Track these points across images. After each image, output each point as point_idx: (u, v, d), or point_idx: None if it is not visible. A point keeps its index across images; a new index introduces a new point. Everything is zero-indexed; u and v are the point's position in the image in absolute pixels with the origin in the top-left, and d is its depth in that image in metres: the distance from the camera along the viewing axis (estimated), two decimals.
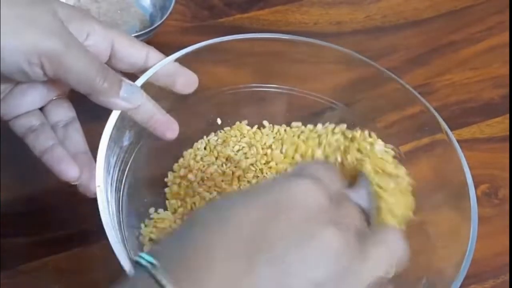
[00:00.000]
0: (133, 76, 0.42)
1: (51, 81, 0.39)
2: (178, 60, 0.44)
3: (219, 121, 0.52)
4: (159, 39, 0.60)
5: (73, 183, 0.39)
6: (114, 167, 0.41)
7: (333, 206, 0.29)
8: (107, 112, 0.40)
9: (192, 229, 0.28)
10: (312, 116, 0.52)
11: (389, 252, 0.30)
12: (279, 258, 0.26)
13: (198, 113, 0.50)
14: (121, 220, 0.40)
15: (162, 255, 0.27)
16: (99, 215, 0.37)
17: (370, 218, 0.34)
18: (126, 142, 0.43)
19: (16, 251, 0.46)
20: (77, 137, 0.42)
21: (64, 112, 0.42)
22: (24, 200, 0.49)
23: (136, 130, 0.43)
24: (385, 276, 0.29)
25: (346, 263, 0.27)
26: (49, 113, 0.42)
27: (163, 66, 0.42)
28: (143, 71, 0.42)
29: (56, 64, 0.36)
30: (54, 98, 0.42)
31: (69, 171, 0.39)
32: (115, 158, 0.41)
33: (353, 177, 0.38)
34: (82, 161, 0.40)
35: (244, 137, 0.52)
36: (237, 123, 0.53)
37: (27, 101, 0.41)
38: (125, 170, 0.43)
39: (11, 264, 0.46)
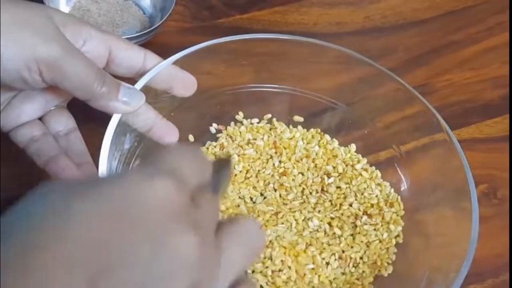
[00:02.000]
0: (131, 81, 0.42)
1: (50, 90, 0.40)
2: (177, 61, 0.44)
3: (214, 127, 0.52)
4: (159, 39, 0.60)
5: None
6: (116, 170, 0.41)
7: (193, 207, 0.25)
8: (108, 116, 0.40)
9: (27, 217, 0.23)
10: (312, 116, 0.52)
11: (246, 248, 0.27)
12: (126, 283, 0.22)
13: (199, 114, 0.50)
14: None
15: None
16: None
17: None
18: (127, 146, 0.43)
19: None
20: (79, 146, 0.42)
21: (64, 121, 0.42)
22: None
23: (136, 133, 0.44)
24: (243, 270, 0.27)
25: (205, 271, 0.24)
26: (49, 123, 0.42)
27: (161, 69, 0.42)
28: (141, 74, 0.42)
29: (54, 71, 0.36)
30: (53, 107, 0.42)
31: None
32: (116, 162, 0.41)
33: None
34: (86, 171, 0.40)
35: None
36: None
37: (26, 111, 0.41)
38: None
39: None
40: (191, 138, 0.51)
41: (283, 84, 0.51)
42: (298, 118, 0.53)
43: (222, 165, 0.30)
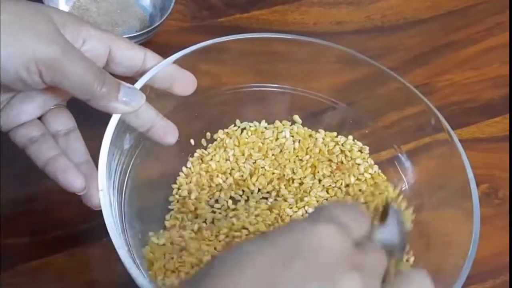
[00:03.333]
0: (131, 80, 0.42)
1: (49, 90, 0.39)
2: (177, 61, 0.44)
3: (215, 127, 0.52)
4: (159, 39, 0.60)
5: (78, 194, 0.39)
6: (115, 171, 0.41)
7: (357, 251, 0.28)
8: (107, 116, 0.40)
9: (210, 274, 0.27)
10: (313, 116, 0.52)
11: None
12: None
13: (198, 114, 0.50)
14: (123, 222, 0.40)
15: None
16: (99, 215, 0.37)
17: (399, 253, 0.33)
18: (126, 146, 0.43)
19: (16, 251, 0.46)
20: (79, 146, 0.42)
21: (63, 121, 0.42)
22: (24, 200, 0.49)
23: (136, 133, 0.43)
24: None
25: None
26: (49, 122, 0.42)
27: (161, 69, 0.42)
28: (141, 74, 0.42)
29: (53, 71, 0.36)
30: (52, 107, 0.42)
31: (75, 182, 0.39)
32: (116, 161, 0.41)
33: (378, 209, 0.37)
34: (85, 171, 0.40)
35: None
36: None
37: (25, 111, 0.40)
38: (126, 173, 0.43)
39: (11, 264, 0.46)
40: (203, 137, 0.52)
41: (283, 84, 0.51)
42: (297, 118, 0.53)
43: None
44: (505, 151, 0.58)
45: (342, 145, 0.52)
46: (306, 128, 0.53)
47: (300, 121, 0.53)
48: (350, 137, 0.52)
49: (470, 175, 0.42)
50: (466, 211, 0.41)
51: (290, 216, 0.48)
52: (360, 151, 0.51)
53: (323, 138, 0.52)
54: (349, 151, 0.51)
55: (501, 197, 0.55)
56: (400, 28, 0.66)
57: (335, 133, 0.52)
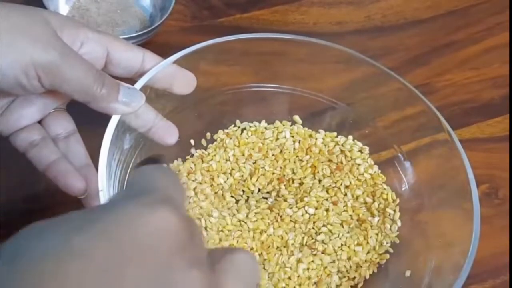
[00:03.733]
0: (130, 81, 0.42)
1: (49, 93, 0.39)
2: (177, 61, 0.44)
3: (215, 127, 0.52)
4: (159, 39, 0.60)
5: (79, 197, 0.39)
6: (115, 171, 0.41)
7: (189, 239, 0.24)
8: (107, 116, 0.40)
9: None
10: (313, 116, 0.52)
11: (244, 283, 0.25)
12: None
13: (198, 114, 0.50)
14: None
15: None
16: None
17: None
18: (126, 146, 0.43)
19: None
20: (79, 149, 0.42)
21: (63, 124, 0.42)
22: (24, 200, 0.49)
23: (136, 133, 0.43)
24: None
25: None
26: (49, 126, 0.42)
27: (161, 69, 0.42)
28: (140, 74, 0.42)
29: (52, 76, 0.36)
30: (52, 110, 0.42)
31: (76, 185, 0.39)
32: (116, 161, 0.41)
33: None
34: (86, 175, 0.40)
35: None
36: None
37: (25, 115, 0.40)
38: (126, 173, 0.43)
39: None
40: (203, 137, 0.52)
41: (283, 83, 0.51)
42: (297, 119, 0.53)
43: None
44: (505, 151, 0.58)
45: (342, 145, 0.52)
46: (306, 128, 0.53)
47: (300, 121, 0.53)
48: (350, 137, 0.52)
49: (470, 175, 0.42)
50: (466, 211, 0.41)
51: (290, 216, 0.48)
52: (360, 151, 0.51)
53: (323, 138, 0.52)
54: (349, 151, 0.51)
55: (501, 197, 0.55)
56: (400, 28, 0.66)
57: (335, 133, 0.52)
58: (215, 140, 0.52)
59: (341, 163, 0.51)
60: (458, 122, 0.58)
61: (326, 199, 0.49)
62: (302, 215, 0.48)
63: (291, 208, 0.49)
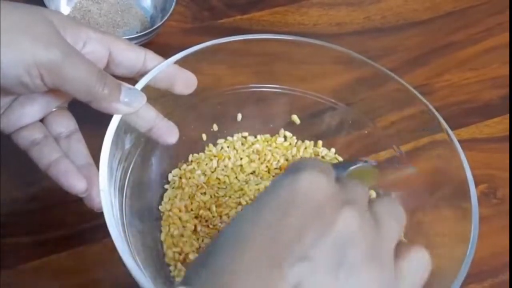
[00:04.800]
0: (132, 81, 0.42)
1: (51, 92, 0.39)
2: (178, 61, 0.44)
3: (215, 127, 0.53)
4: (159, 40, 0.60)
5: (80, 196, 0.40)
6: (116, 170, 0.41)
7: (339, 188, 0.29)
8: (108, 116, 0.40)
9: (214, 253, 0.28)
10: (313, 116, 0.53)
11: (396, 218, 0.31)
12: (306, 255, 0.26)
13: (199, 114, 0.50)
14: (124, 222, 0.40)
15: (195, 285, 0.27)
16: (99, 215, 0.37)
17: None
18: (127, 145, 0.43)
19: (16, 250, 0.46)
20: (80, 148, 0.42)
21: (65, 123, 0.42)
22: (24, 200, 0.49)
23: (137, 133, 0.44)
24: (399, 239, 0.31)
25: (369, 237, 0.28)
26: (51, 125, 0.42)
27: (162, 69, 0.43)
28: (142, 74, 0.42)
29: (55, 75, 0.36)
30: (54, 109, 0.42)
31: (77, 185, 0.39)
32: (117, 161, 0.41)
33: None
34: (87, 174, 0.40)
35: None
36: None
37: (27, 113, 0.41)
38: (127, 173, 0.44)
39: (11, 263, 0.46)
40: (204, 137, 0.52)
41: (283, 84, 0.51)
42: (295, 118, 0.53)
43: None
44: (504, 151, 0.58)
45: (323, 157, 0.52)
46: (294, 138, 0.53)
47: (298, 121, 0.53)
48: (333, 150, 0.53)
49: (469, 175, 0.43)
50: (465, 211, 0.41)
51: None
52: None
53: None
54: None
55: (499, 197, 0.55)
56: (399, 29, 0.66)
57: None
58: (216, 142, 0.52)
59: None
60: (457, 123, 0.58)
61: None
62: None
63: None
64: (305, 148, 0.53)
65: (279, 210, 0.28)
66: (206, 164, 0.51)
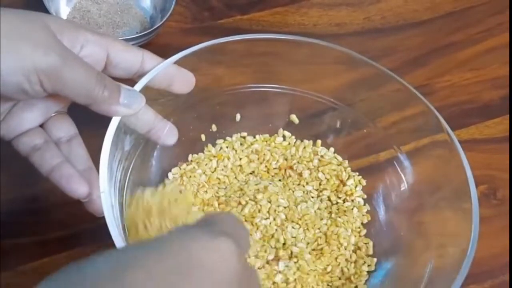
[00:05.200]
0: (130, 82, 0.42)
1: (50, 97, 0.39)
2: (177, 62, 0.44)
3: (214, 127, 0.52)
4: (159, 40, 0.60)
5: (82, 200, 0.40)
6: (116, 172, 0.41)
7: (248, 277, 0.27)
8: (107, 118, 0.40)
9: (90, 276, 0.24)
10: (313, 116, 0.53)
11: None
12: None
13: (198, 115, 0.50)
14: (124, 223, 0.40)
15: None
16: (99, 216, 0.37)
17: None
18: (127, 147, 0.43)
19: (16, 251, 0.46)
20: (81, 152, 0.42)
21: (65, 128, 0.42)
22: (24, 200, 0.49)
23: (136, 134, 0.44)
24: None
25: None
26: (51, 130, 0.42)
27: (161, 70, 0.42)
28: (140, 75, 0.42)
29: (54, 80, 0.36)
30: (53, 114, 0.42)
31: (79, 189, 0.39)
32: (117, 163, 0.41)
33: None
34: (88, 178, 0.40)
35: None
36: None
37: (27, 119, 0.40)
38: (127, 174, 0.44)
39: (12, 264, 0.46)
40: (203, 137, 0.52)
41: (283, 84, 0.51)
42: (294, 118, 0.53)
43: None
44: (504, 152, 0.58)
45: (322, 156, 0.52)
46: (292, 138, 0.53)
47: (297, 120, 0.53)
48: (332, 149, 0.53)
49: (470, 175, 0.43)
50: (465, 211, 0.41)
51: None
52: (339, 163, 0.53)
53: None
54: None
55: (500, 198, 0.55)
56: (399, 29, 0.66)
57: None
58: (216, 142, 0.52)
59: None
60: (457, 123, 0.58)
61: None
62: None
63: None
64: (304, 147, 0.53)
65: (183, 268, 0.24)
66: (206, 164, 0.51)
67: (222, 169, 0.51)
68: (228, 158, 0.52)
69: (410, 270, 0.45)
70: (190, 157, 0.52)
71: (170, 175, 0.50)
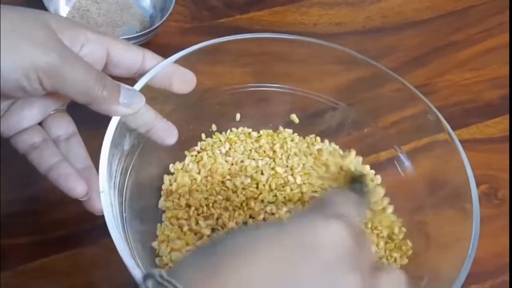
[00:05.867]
0: (130, 81, 0.42)
1: (49, 95, 0.39)
2: (177, 61, 0.44)
3: (214, 127, 0.52)
4: (159, 39, 0.60)
5: (80, 199, 0.39)
6: (116, 172, 0.41)
7: (357, 248, 0.29)
8: (107, 117, 0.40)
9: (215, 253, 0.28)
10: (313, 116, 0.52)
11: None
12: None
13: (198, 114, 0.50)
14: (124, 222, 0.40)
15: (181, 272, 0.28)
16: (98, 215, 0.37)
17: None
18: (127, 147, 0.43)
19: (16, 251, 0.46)
20: (80, 151, 0.42)
21: (64, 126, 0.42)
22: (24, 200, 0.49)
23: (136, 134, 0.44)
24: None
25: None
26: (50, 128, 0.42)
27: (161, 69, 0.42)
28: (140, 74, 0.42)
29: (54, 78, 0.36)
30: (53, 112, 0.42)
31: (77, 188, 0.39)
32: (116, 162, 0.41)
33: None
34: (87, 177, 0.40)
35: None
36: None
37: (26, 117, 0.40)
38: (127, 174, 0.44)
39: (11, 264, 0.46)
40: (203, 137, 0.52)
41: (283, 84, 0.51)
42: (294, 117, 0.53)
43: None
44: (504, 152, 0.58)
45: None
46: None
47: (297, 120, 0.53)
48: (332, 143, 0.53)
49: (470, 175, 0.42)
50: (466, 211, 0.41)
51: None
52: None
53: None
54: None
55: (500, 198, 0.55)
56: (400, 28, 0.66)
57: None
58: (215, 140, 0.52)
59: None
60: (458, 123, 0.58)
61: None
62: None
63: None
64: (308, 146, 0.53)
65: (294, 249, 0.28)
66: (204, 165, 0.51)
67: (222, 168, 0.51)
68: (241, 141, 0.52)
69: (410, 270, 0.45)
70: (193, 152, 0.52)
71: (171, 166, 0.50)
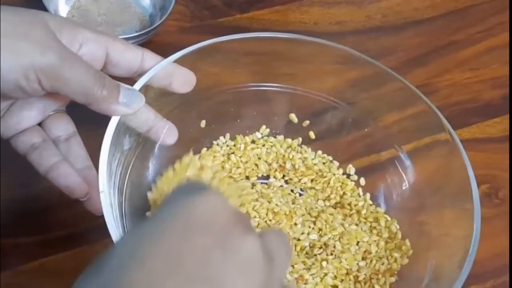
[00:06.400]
0: (130, 81, 0.42)
1: (49, 95, 0.39)
2: (177, 61, 0.44)
3: (214, 127, 0.52)
4: (158, 39, 0.60)
5: (80, 200, 0.39)
6: (116, 172, 0.41)
7: (239, 215, 0.28)
8: (107, 117, 0.40)
9: (108, 266, 0.25)
10: (313, 116, 0.52)
11: (286, 251, 0.30)
12: (214, 278, 0.25)
13: (198, 114, 0.50)
14: (124, 222, 0.40)
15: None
16: (99, 215, 0.37)
17: None
18: (126, 146, 0.43)
19: (16, 251, 0.46)
20: (79, 151, 0.42)
21: (64, 126, 0.42)
22: (24, 200, 0.49)
23: (136, 134, 0.44)
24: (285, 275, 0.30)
25: (267, 268, 0.27)
26: (49, 128, 0.42)
27: (160, 69, 0.42)
28: (140, 74, 0.42)
29: (53, 78, 0.36)
30: (52, 112, 0.42)
31: (77, 188, 0.39)
32: (116, 162, 0.41)
33: None
34: (87, 177, 0.40)
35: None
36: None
37: (25, 117, 0.40)
38: (126, 174, 0.43)
39: (11, 264, 0.46)
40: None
41: (283, 83, 0.51)
42: (293, 117, 0.53)
43: None
44: (505, 151, 0.58)
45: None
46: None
47: (296, 120, 0.53)
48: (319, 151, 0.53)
49: (471, 175, 0.42)
50: (467, 211, 0.41)
51: None
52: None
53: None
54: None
55: (501, 197, 0.55)
56: (400, 28, 0.66)
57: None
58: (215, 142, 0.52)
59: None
60: (458, 123, 0.58)
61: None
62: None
63: None
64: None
65: (181, 231, 0.26)
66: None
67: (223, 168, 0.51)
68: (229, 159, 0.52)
69: (411, 270, 0.45)
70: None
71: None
